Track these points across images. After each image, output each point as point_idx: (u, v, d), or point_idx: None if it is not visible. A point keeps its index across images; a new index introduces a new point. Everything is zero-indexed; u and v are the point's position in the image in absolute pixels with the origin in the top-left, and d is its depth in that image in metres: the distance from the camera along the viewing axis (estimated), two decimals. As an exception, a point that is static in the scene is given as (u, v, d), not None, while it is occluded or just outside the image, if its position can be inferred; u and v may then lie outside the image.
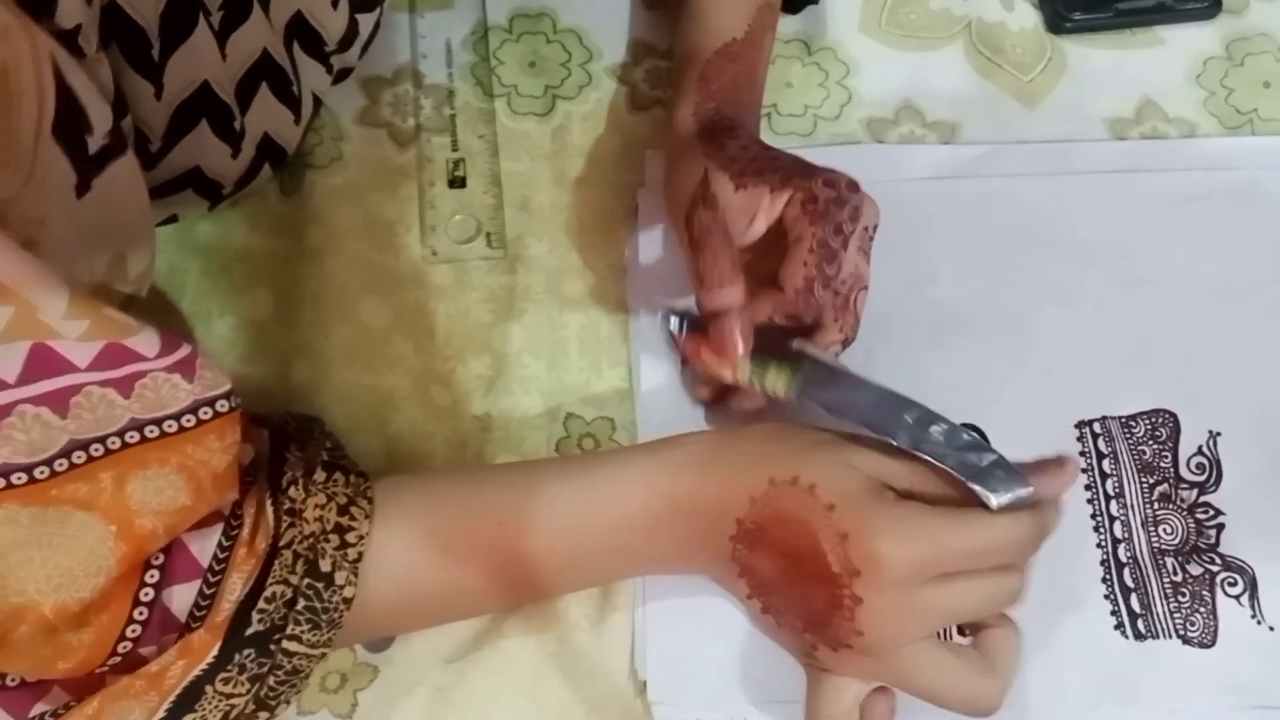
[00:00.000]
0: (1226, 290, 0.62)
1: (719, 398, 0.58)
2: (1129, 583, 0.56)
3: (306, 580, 0.45)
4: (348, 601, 0.46)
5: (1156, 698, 0.54)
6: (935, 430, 0.47)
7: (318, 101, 0.60)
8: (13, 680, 0.43)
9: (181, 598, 0.43)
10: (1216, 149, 0.66)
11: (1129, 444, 0.59)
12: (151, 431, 0.41)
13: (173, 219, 0.59)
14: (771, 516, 0.47)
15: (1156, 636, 0.55)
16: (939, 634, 0.46)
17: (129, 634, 0.42)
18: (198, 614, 0.44)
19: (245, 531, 0.45)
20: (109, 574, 0.40)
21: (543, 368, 0.60)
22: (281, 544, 0.45)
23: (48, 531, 0.39)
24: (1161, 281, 0.62)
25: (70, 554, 0.39)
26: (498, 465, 0.57)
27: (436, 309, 0.61)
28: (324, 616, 0.45)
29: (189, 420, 0.42)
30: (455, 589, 0.50)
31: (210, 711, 0.44)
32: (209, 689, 0.44)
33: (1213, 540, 0.57)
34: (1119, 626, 0.55)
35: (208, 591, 0.44)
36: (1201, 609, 0.56)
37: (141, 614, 0.42)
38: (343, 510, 0.46)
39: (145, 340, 0.39)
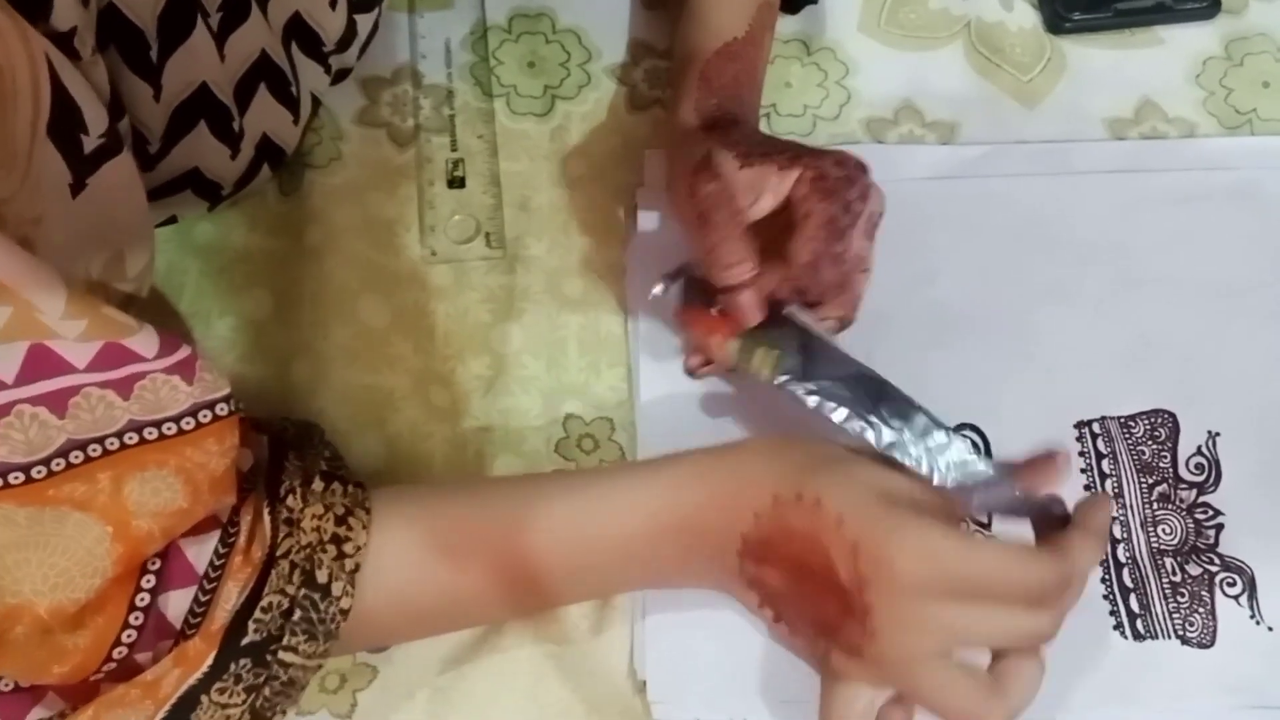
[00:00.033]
0: (1226, 290, 0.62)
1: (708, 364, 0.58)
2: (1128, 583, 0.56)
3: (303, 591, 0.45)
4: (345, 613, 0.46)
5: (1155, 698, 0.54)
6: (910, 421, 0.47)
7: (316, 102, 0.60)
8: (7, 685, 0.43)
9: (177, 604, 0.43)
10: (1216, 149, 0.66)
11: (1128, 444, 0.59)
12: (150, 433, 0.41)
13: (172, 220, 0.59)
14: (778, 532, 0.46)
15: (1155, 637, 0.55)
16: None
17: (124, 639, 0.42)
18: (193, 621, 0.44)
19: (242, 539, 0.45)
20: (105, 575, 0.40)
21: (542, 368, 0.60)
22: (279, 554, 0.45)
23: (45, 531, 0.39)
24: (1161, 281, 0.62)
25: (66, 554, 0.39)
26: (499, 478, 0.57)
27: (436, 309, 0.61)
28: (321, 627, 0.45)
29: (188, 423, 0.42)
30: (452, 601, 0.49)
31: None
32: (205, 698, 0.43)
33: (1211, 540, 0.57)
34: (1118, 627, 0.55)
35: (203, 598, 0.44)
36: (1200, 609, 0.56)
37: (137, 619, 0.42)
38: (340, 521, 0.46)
39: (144, 340, 0.39)
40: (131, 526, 0.40)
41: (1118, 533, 0.57)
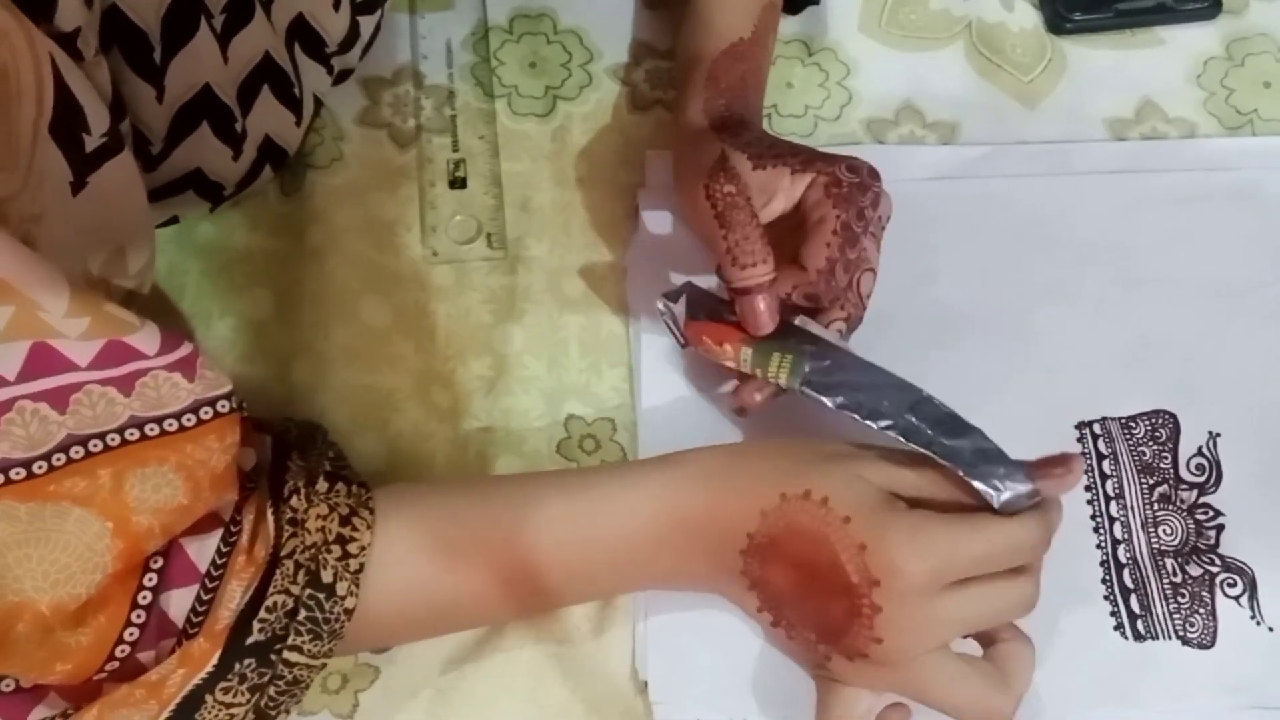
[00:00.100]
0: (1226, 290, 0.62)
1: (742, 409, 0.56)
2: (1129, 583, 0.56)
3: (308, 591, 0.45)
4: (349, 612, 0.46)
5: (1156, 698, 0.54)
6: (936, 420, 0.47)
7: (318, 102, 0.60)
8: (8, 685, 0.43)
9: (179, 602, 0.43)
10: (1216, 149, 0.66)
11: (1129, 445, 0.59)
12: (151, 430, 0.41)
13: (174, 220, 0.59)
14: (785, 530, 0.47)
15: (1156, 637, 0.55)
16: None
17: (127, 637, 0.42)
18: (195, 620, 0.44)
19: (244, 539, 0.45)
20: (105, 571, 0.40)
21: (543, 368, 0.60)
22: (283, 554, 0.45)
23: (46, 527, 0.39)
24: (1161, 282, 0.63)
25: (67, 550, 0.39)
26: (501, 476, 0.57)
27: (437, 309, 0.61)
28: (325, 627, 0.45)
29: (189, 420, 0.42)
30: (457, 600, 0.50)
31: None
32: (209, 698, 0.44)
33: (1212, 541, 0.57)
34: (1119, 627, 0.55)
35: (205, 597, 0.44)
36: (1201, 610, 0.56)
37: (139, 617, 0.42)
38: (345, 521, 0.46)
39: (146, 337, 0.40)
40: (132, 522, 0.41)
41: (1118, 533, 0.57)
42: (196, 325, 0.60)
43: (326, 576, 0.45)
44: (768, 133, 0.58)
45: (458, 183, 0.64)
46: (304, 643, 0.45)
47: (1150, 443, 0.59)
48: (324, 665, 0.47)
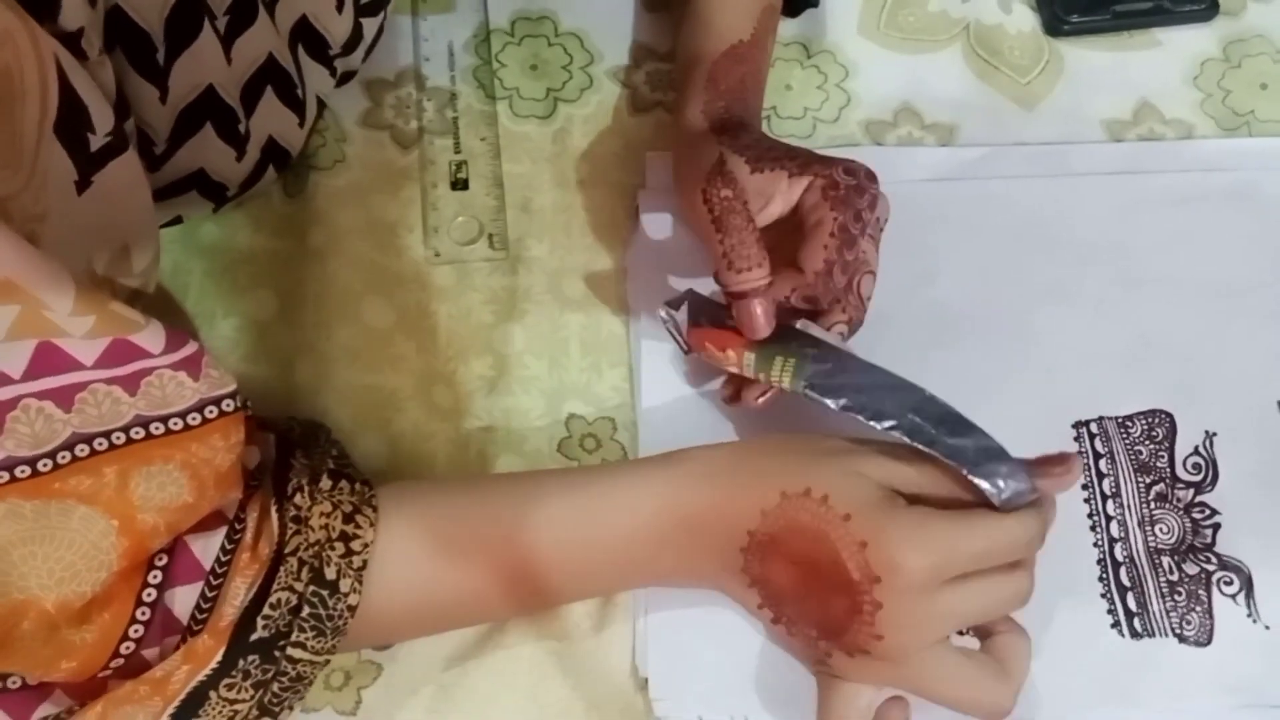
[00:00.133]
0: (1224, 291, 0.63)
1: (734, 395, 0.57)
2: (1125, 581, 0.56)
3: (312, 588, 0.45)
4: (352, 609, 0.46)
5: (1153, 696, 0.54)
6: (939, 419, 0.47)
7: (321, 104, 0.60)
8: (14, 683, 0.43)
9: (183, 599, 0.44)
10: (1213, 150, 0.67)
11: (1125, 444, 0.59)
12: (156, 428, 0.41)
13: (177, 220, 0.59)
14: (785, 528, 0.47)
15: (1153, 635, 0.55)
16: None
17: (131, 634, 0.42)
18: (199, 617, 0.44)
19: (248, 536, 0.45)
20: (110, 569, 0.41)
21: (544, 368, 0.60)
22: (287, 551, 0.45)
23: (51, 525, 0.39)
24: (1160, 282, 0.63)
25: (72, 548, 0.40)
26: (502, 475, 0.57)
27: (439, 310, 0.61)
28: (329, 624, 0.46)
29: (194, 418, 0.42)
30: (459, 597, 0.50)
31: (214, 717, 0.44)
32: (213, 694, 0.44)
33: (1209, 539, 0.57)
34: (1115, 625, 0.56)
35: (209, 594, 0.44)
36: (1197, 608, 0.56)
37: (144, 614, 0.43)
38: (348, 518, 0.47)
39: (151, 335, 0.40)
40: (137, 521, 0.41)
41: (1115, 531, 0.57)
42: (200, 325, 0.60)
43: (330, 573, 0.46)
44: (767, 135, 0.58)
45: (459, 184, 0.64)
46: (308, 639, 0.45)
47: (1147, 442, 0.59)
48: (327, 662, 0.47)
